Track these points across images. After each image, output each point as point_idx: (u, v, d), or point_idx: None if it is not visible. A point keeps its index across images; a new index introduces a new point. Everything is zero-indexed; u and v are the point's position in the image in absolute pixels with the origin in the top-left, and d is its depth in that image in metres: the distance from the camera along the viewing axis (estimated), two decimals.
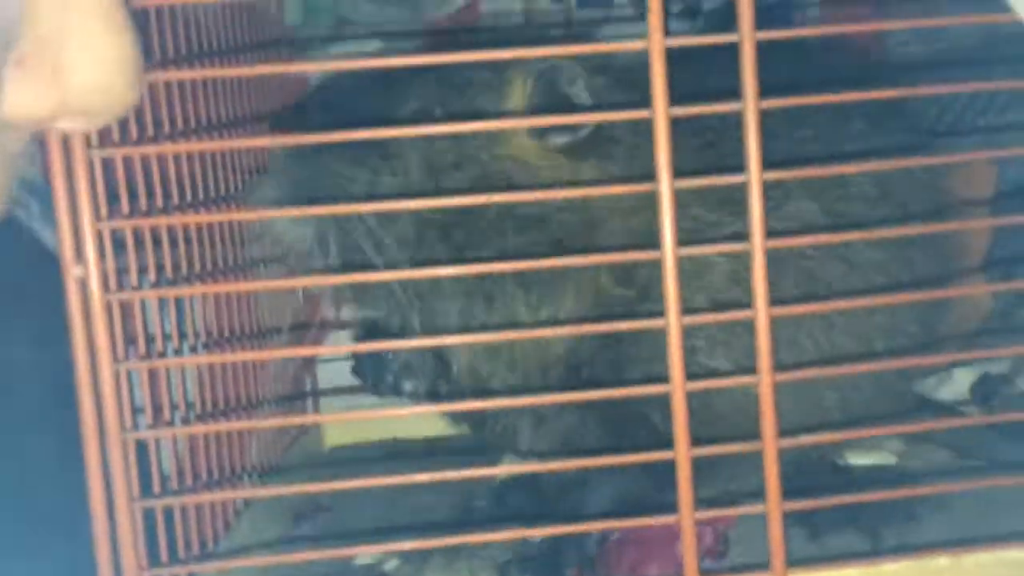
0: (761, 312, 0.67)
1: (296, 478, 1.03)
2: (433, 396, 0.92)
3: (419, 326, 0.87)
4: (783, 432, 0.68)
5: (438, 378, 0.91)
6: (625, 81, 0.88)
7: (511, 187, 0.85)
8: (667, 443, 0.67)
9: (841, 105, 0.84)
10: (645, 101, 0.66)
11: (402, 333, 0.88)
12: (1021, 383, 1.08)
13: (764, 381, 0.68)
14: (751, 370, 0.68)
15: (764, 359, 0.67)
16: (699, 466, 0.67)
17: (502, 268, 0.82)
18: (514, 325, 0.86)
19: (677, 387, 0.67)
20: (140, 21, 0.59)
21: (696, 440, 0.67)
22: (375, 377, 0.94)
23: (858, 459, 0.99)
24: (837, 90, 0.70)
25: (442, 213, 0.84)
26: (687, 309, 0.68)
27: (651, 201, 0.67)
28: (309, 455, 1.14)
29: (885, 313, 0.91)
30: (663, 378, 0.67)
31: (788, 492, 0.68)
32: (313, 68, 1.11)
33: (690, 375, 0.67)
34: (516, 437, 0.93)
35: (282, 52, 1.14)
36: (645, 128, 0.67)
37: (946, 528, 0.83)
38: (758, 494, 0.68)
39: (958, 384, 1.08)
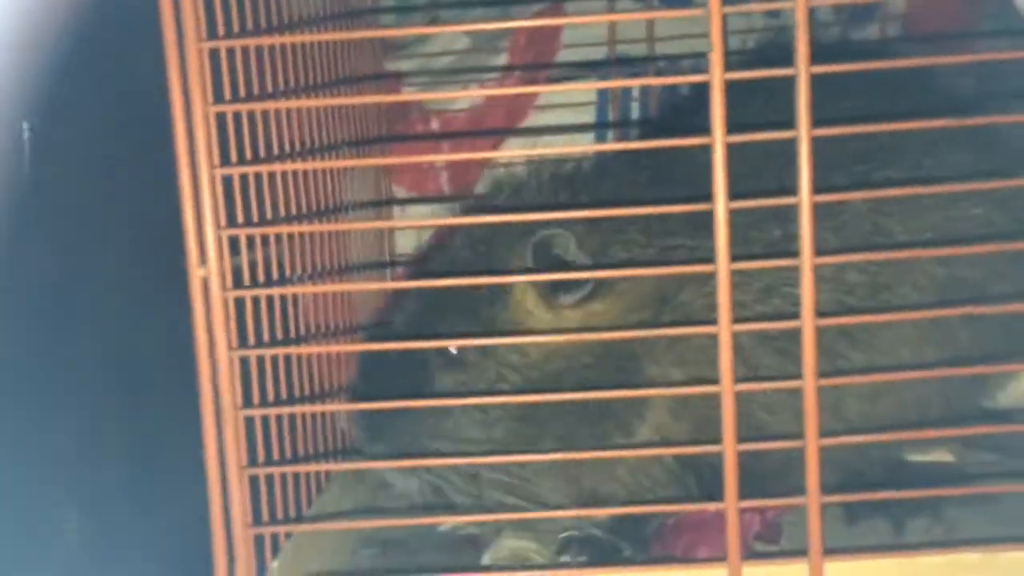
0: (808, 324, 0.74)
1: None
2: None
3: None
4: (838, 431, 0.76)
5: None
6: None
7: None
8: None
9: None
10: None
11: None
12: None
13: (808, 385, 0.75)
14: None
15: (809, 366, 0.74)
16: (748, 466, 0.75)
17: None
18: None
19: (727, 390, 0.75)
20: None
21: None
22: None
23: (918, 456, 1.05)
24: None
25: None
26: None
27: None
28: None
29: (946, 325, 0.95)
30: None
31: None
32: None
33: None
34: None
35: None
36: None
37: (989, 526, 0.89)
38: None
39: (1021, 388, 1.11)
